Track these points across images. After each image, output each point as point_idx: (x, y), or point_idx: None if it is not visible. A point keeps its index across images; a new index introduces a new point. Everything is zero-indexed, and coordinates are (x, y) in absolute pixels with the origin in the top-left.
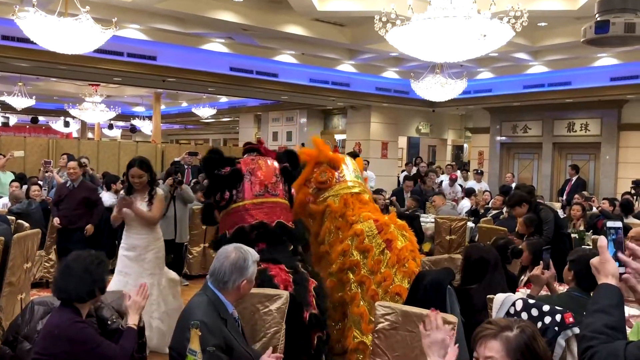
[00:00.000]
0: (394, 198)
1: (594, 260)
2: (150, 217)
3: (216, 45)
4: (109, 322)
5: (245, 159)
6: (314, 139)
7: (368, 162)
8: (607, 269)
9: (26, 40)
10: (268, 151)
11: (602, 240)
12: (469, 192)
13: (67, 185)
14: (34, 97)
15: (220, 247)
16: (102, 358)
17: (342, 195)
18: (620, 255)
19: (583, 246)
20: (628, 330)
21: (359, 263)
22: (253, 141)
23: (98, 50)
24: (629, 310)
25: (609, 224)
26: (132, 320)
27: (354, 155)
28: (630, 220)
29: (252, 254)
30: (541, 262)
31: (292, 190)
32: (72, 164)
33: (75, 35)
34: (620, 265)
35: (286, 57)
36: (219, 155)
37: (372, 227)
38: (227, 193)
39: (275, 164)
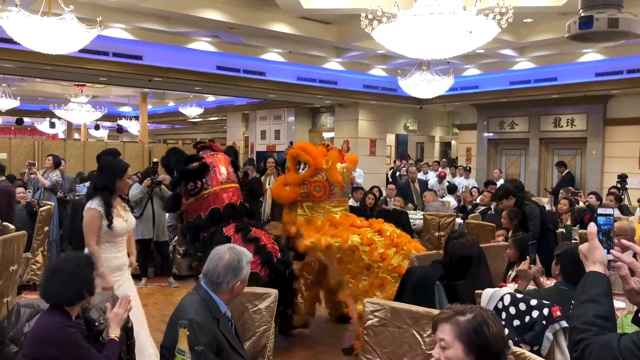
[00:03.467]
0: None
1: (583, 247)
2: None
3: (202, 44)
4: (97, 324)
5: (207, 155)
6: (317, 147)
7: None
8: (595, 255)
9: (9, 40)
10: (217, 148)
11: (591, 226)
12: (451, 189)
13: None
14: (18, 98)
15: (196, 228)
16: None
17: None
18: (613, 252)
19: (570, 241)
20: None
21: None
22: (241, 140)
23: (83, 50)
24: (615, 303)
25: (600, 210)
26: (113, 333)
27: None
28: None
29: (246, 254)
30: (527, 257)
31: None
32: None
33: (60, 35)
34: (608, 252)
35: (273, 55)
36: (183, 154)
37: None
38: (199, 182)
39: (227, 157)
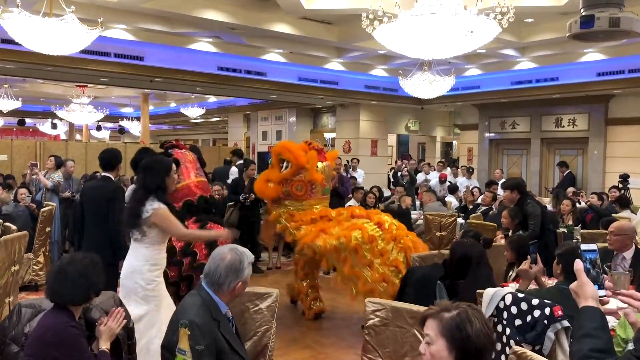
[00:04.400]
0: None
1: (573, 285)
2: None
3: (204, 45)
4: (98, 324)
5: (177, 152)
6: (300, 145)
7: (358, 160)
8: (586, 291)
9: (11, 41)
10: (183, 146)
11: (578, 263)
12: (452, 189)
13: None
14: (20, 99)
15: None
16: None
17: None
18: (607, 283)
19: (572, 240)
20: (615, 322)
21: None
22: (242, 140)
23: (84, 51)
24: (617, 303)
25: (583, 246)
26: (103, 345)
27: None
28: (626, 214)
29: (248, 255)
30: (528, 257)
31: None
32: None
33: (61, 35)
34: (599, 288)
35: (274, 55)
36: (154, 153)
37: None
38: None
39: (193, 154)
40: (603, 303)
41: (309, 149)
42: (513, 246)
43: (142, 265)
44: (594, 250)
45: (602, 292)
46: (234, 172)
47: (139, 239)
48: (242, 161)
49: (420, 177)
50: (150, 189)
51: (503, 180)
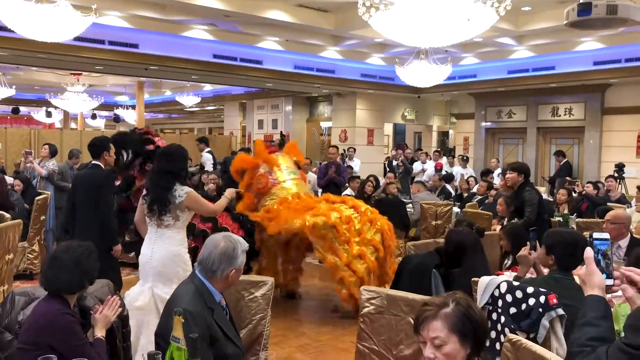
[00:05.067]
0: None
1: (581, 272)
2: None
3: (199, 32)
4: (92, 312)
5: (156, 139)
6: (255, 143)
7: (354, 149)
8: (593, 280)
9: (4, 28)
10: (156, 134)
11: (588, 251)
12: (447, 178)
13: None
14: (14, 87)
15: None
16: (82, 357)
17: (280, 199)
18: (617, 272)
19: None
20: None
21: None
22: (238, 129)
23: (78, 39)
24: None
25: (596, 234)
26: (99, 333)
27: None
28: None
29: (242, 243)
30: (528, 242)
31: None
32: None
33: (54, 22)
34: (607, 277)
35: (270, 43)
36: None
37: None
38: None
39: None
40: (611, 291)
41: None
42: (508, 235)
43: (180, 248)
44: (605, 239)
45: (609, 282)
46: (207, 159)
47: (171, 224)
48: (209, 149)
49: (416, 166)
50: (178, 174)
51: (499, 169)
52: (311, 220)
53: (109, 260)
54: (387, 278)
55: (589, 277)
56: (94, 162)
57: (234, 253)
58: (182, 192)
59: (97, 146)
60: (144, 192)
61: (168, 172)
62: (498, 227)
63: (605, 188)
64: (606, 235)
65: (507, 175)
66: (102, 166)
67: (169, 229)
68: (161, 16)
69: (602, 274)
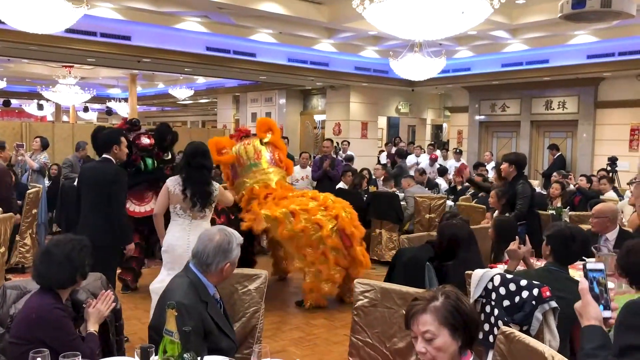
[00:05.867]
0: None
1: (577, 305)
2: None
3: (192, 24)
4: (84, 305)
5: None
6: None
7: (348, 142)
8: (589, 312)
9: None
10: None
11: (583, 282)
12: (442, 172)
13: None
14: (4, 79)
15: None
16: (73, 351)
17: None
18: (615, 303)
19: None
20: None
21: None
22: (232, 122)
23: (70, 30)
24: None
25: (589, 265)
26: (92, 327)
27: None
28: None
29: (237, 236)
30: (517, 237)
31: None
32: None
33: (45, 13)
34: (605, 309)
35: (264, 36)
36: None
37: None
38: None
39: None
40: (609, 325)
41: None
42: (496, 226)
43: None
44: (600, 270)
45: (607, 314)
46: None
47: (206, 215)
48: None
49: (410, 159)
50: (211, 169)
51: (493, 163)
52: (273, 212)
53: (116, 259)
54: (358, 267)
55: (585, 308)
56: (104, 155)
57: (229, 246)
58: (216, 186)
59: (107, 138)
60: (174, 186)
61: (204, 168)
62: (488, 219)
63: (599, 181)
64: (600, 266)
65: (501, 167)
66: (113, 160)
67: (203, 220)
68: (154, 8)
69: (599, 305)
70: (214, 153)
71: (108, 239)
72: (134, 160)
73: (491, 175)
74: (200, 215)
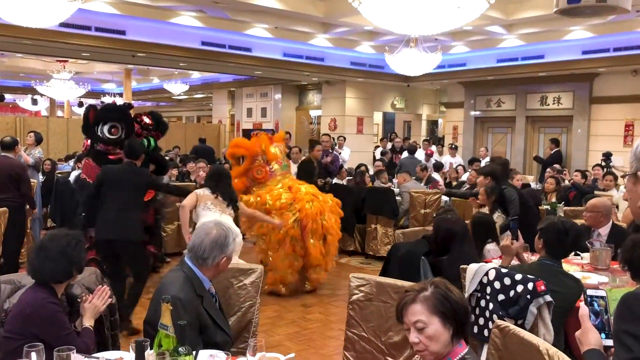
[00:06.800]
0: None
1: (577, 332)
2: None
3: (187, 19)
4: (79, 300)
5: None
6: (260, 138)
7: (344, 138)
8: (588, 339)
9: None
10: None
11: (583, 309)
12: (437, 167)
13: None
14: None
15: None
16: (68, 345)
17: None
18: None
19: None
20: (596, 292)
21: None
22: (227, 117)
23: (64, 24)
24: (598, 278)
25: (590, 292)
26: (87, 322)
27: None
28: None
29: (233, 230)
30: (509, 232)
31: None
32: None
33: (40, 7)
34: (607, 337)
35: (259, 30)
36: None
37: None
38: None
39: None
40: (610, 354)
41: (257, 138)
42: (471, 223)
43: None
44: (602, 297)
45: (609, 342)
46: None
47: (232, 214)
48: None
49: (445, 159)
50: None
51: (488, 158)
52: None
53: (147, 253)
54: (312, 259)
55: (585, 335)
56: (128, 159)
57: (226, 241)
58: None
59: (140, 149)
60: (203, 191)
61: (229, 185)
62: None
63: (593, 177)
64: (602, 293)
65: (477, 180)
66: (137, 164)
67: (230, 216)
68: (149, 2)
69: (601, 333)
70: (233, 159)
71: (143, 235)
72: (138, 136)
73: (466, 175)
74: (227, 211)
